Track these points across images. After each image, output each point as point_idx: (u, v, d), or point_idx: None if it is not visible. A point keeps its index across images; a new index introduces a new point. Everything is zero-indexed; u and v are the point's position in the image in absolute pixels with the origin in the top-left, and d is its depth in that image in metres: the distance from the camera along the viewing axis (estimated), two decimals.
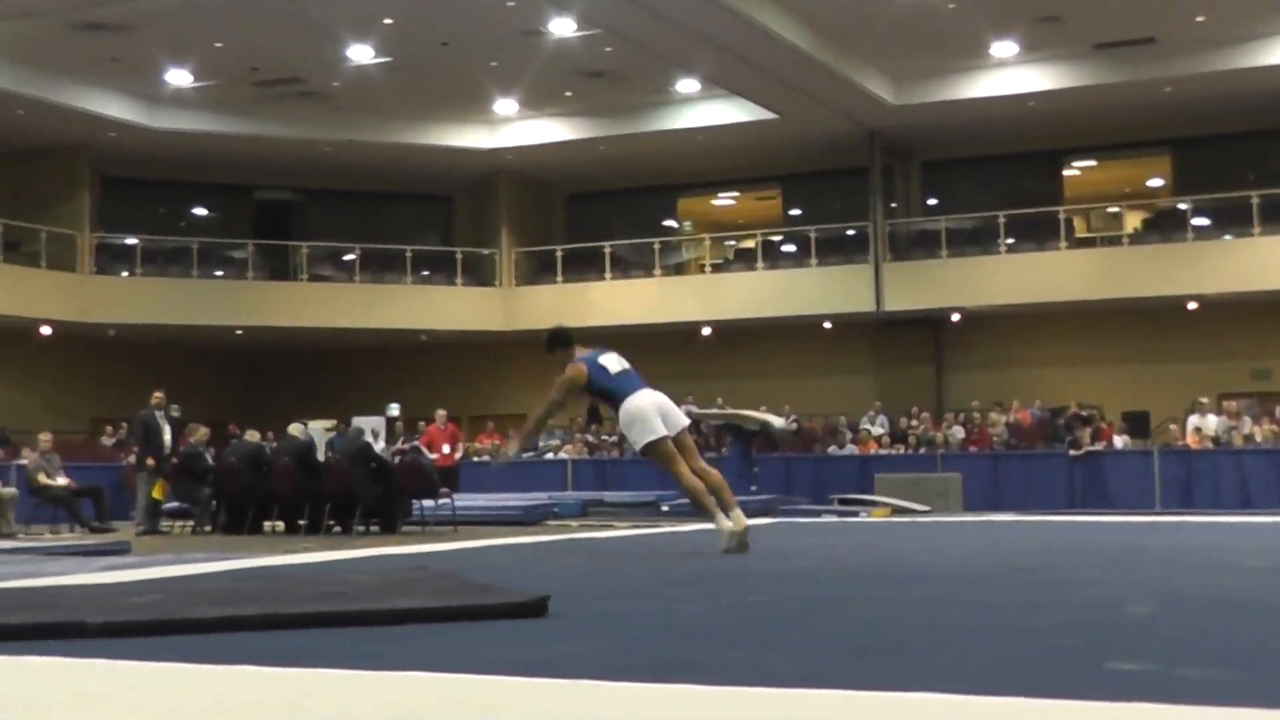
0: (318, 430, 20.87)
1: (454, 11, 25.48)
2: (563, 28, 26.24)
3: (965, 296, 30.52)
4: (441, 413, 24.66)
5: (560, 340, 10.76)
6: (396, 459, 20.45)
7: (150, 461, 18.95)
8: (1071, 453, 24.40)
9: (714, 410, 27.38)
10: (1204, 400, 25.53)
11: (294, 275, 33.53)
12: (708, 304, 32.36)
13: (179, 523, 19.12)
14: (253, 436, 20.17)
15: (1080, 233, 31.42)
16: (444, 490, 18.58)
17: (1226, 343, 29.99)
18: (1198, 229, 29.73)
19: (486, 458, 29.60)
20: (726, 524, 10.23)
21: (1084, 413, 26.42)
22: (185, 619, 5.36)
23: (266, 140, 32.04)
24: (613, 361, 10.49)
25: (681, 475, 10.26)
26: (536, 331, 33.64)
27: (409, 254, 33.90)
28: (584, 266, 34.29)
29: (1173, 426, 25.14)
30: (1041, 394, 29.15)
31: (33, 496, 19.94)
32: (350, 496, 17.42)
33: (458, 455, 24.94)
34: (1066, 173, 32.97)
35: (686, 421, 10.39)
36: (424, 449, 23.71)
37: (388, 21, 26.05)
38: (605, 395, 10.37)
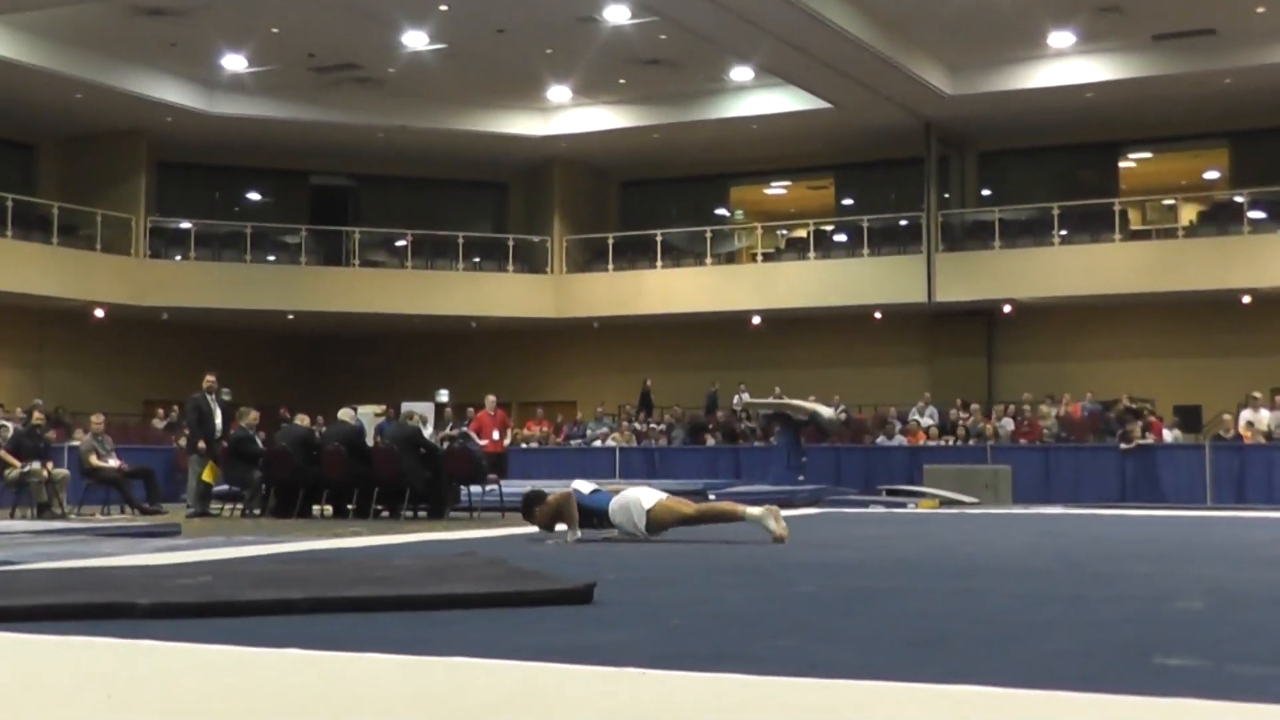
0: (367, 415, 20.92)
1: None
2: (618, 15, 26.19)
3: (1018, 288, 30.32)
4: (491, 399, 24.71)
5: (535, 503, 11.07)
6: (445, 445, 20.47)
7: (201, 444, 19.04)
8: (1122, 446, 24.22)
9: (763, 399, 27.32)
10: (1257, 395, 25.28)
11: (346, 261, 33.63)
12: (759, 293, 32.27)
13: (229, 505, 19.20)
14: (303, 421, 20.25)
15: (1135, 225, 31.17)
16: (492, 476, 18.59)
17: None
18: (1254, 222, 29.45)
19: (529, 443, 29.66)
20: (757, 511, 10.52)
21: (1135, 406, 26.21)
22: (233, 601, 5.39)
23: (322, 126, 32.14)
24: (584, 485, 10.92)
25: (695, 514, 10.64)
26: (587, 319, 34.10)
27: (461, 240, 33.95)
28: (636, 254, 34.25)
29: (1225, 417, 24.91)
30: (1093, 387, 28.97)
31: (85, 478, 20.07)
32: (399, 482, 17.45)
33: (506, 442, 24.97)
34: (1122, 164, 32.71)
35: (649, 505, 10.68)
36: (473, 435, 23.75)
37: (443, 8, 26.08)
38: (593, 511, 10.69)
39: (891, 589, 6.68)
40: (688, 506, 10.85)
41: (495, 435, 23.92)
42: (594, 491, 10.99)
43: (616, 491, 10.99)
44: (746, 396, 28.92)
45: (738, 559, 8.83)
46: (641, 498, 10.79)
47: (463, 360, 35.90)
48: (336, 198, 35.90)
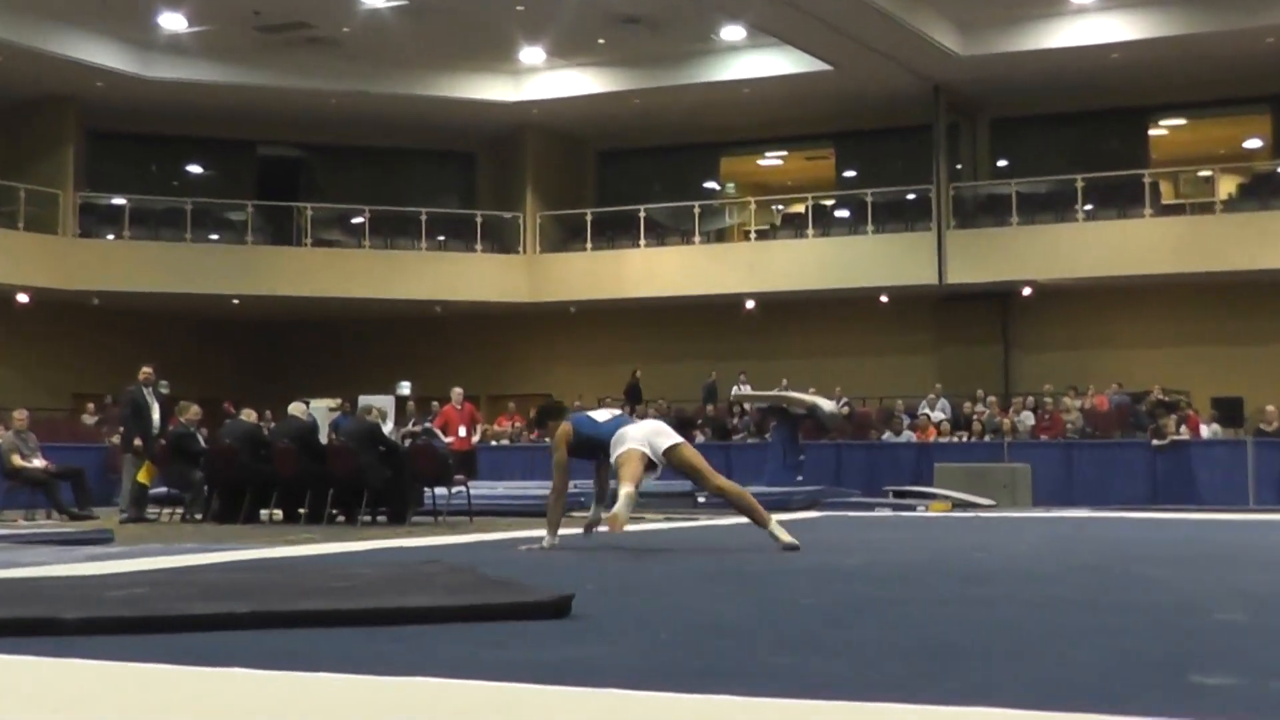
0: (321, 410, 20.93)
1: None
2: None
3: (1038, 268, 30.34)
4: (458, 391, 24.70)
5: (550, 414, 11.09)
6: (407, 442, 20.44)
7: (137, 442, 18.99)
8: (1154, 442, 24.27)
9: (759, 391, 27.35)
10: None
11: (298, 240, 33.59)
12: (752, 274, 32.29)
13: (167, 509, 19.16)
14: (249, 416, 20.19)
15: (1167, 199, 31.22)
16: (459, 477, 18.59)
17: None
18: None
19: (499, 441, 29.67)
20: (778, 526, 10.42)
21: (1169, 398, 26.27)
22: (172, 615, 5.36)
23: (270, 91, 32.07)
24: (602, 414, 10.82)
25: (717, 481, 10.55)
26: (563, 304, 34.09)
27: (424, 217, 33.90)
28: (616, 232, 34.24)
29: (1269, 409, 24.95)
30: (1121, 377, 29.01)
31: (7, 479, 20.01)
32: (356, 483, 17.43)
33: (475, 439, 24.96)
34: (1153, 132, 32.76)
35: (669, 443, 10.54)
36: (438, 431, 23.73)
37: None
38: (594, 441, 10.66)
39: (898, 598, 6.69)
40: (711, 470, 10.80)
41: (463, 431, 23.90)
42: (609, 420, 10.94)
43: (628, 425, 10.91)
44: (747, 388, 28.93)
45: (730, 567, 8.84)
46: (664, 430, 10.74)
47: (426, 349, 35.89)
48: (286, 170, 35.84)
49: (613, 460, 10.55)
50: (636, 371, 31.27)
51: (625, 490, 9.97)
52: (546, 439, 11.31)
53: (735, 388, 29.16)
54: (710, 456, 26.41)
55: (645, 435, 10.62)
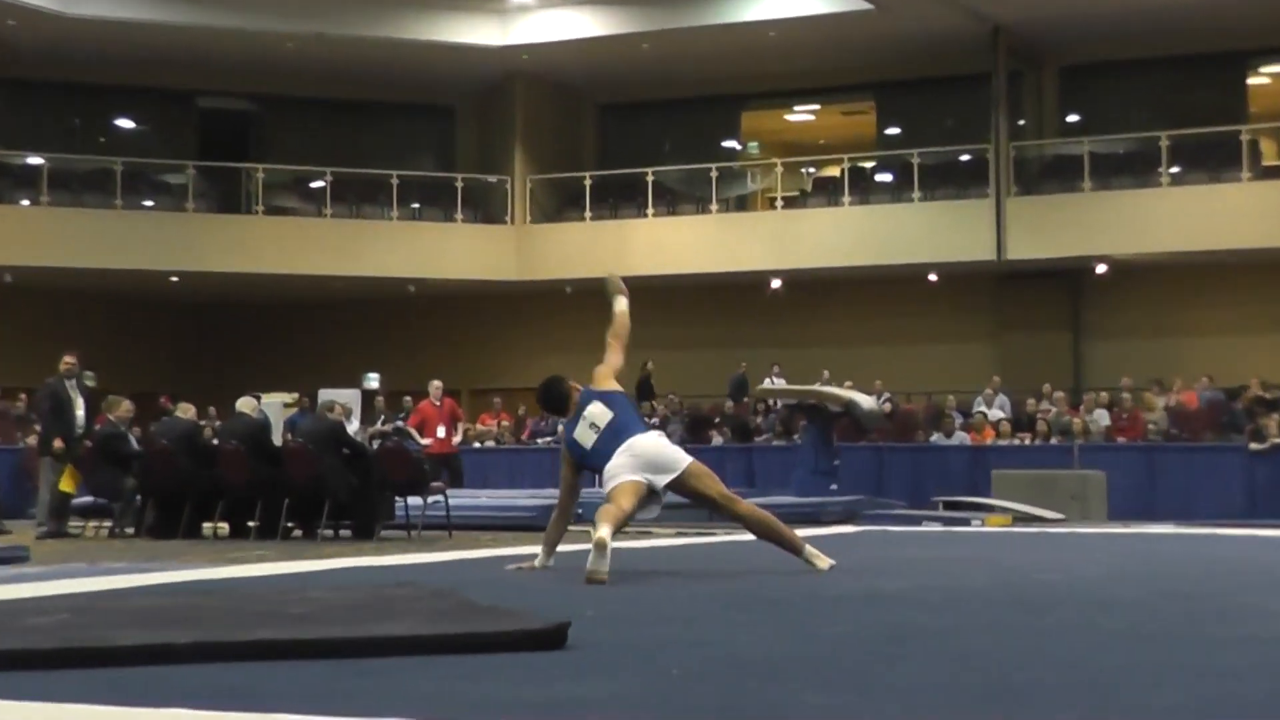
0: (275, 406, 20.93)
1: None
2: None
3: (1114, 242, 30.31)
4: (436, 385, 24.71)
5: (549, 401, 10.94)
6: (375, 444, 20.43)
7: (58, 444, 18.95)
8: (1253, 446, 24.22)
9: (789, 386, 27.32)
10: None
11: (246, 207, 33.59)
12: (778, 249, 32.27)
13: (93, 522, 19.15)
14: (187, 412, 20.15)
15: (1269, 159, 31.18)
16: (437, 485, 18.56)
17: None
18: None
19: (483, 442, 29.68)
20: (815, 551, 10.28)
21: (1269, 394, 26.22)
22: (100, 647, 5.36)
23: (214, 33, 32.04)
24: (587, 429, 10.47)
25: (738, 508, 10.39)
26: (558, 283, 34.04)
27: (395, 181, 33.88)
28: (620, 199, 34.24)
29: None
30: (1213, 369, 28.96)
31: None
32: (315, 491, 17.41)
33: (457, 440, 24.96)
34: (1252, 81, 32.71)
35: (674, 471, 10.35)
36: (413, 431, 23.73)
37: None
38: (586, 466, 10.54)
39: (950, 629, 6.68)
40: (728, 494, 10.61)
41: (442, 432, 23.94)
42: (596, 441, 10.63)
43: (615, 451, 10.64)
44: (781, 382, 28.89)
45: (752, 590, 8.83)
46: (665, 453, 10.46)
47: (398, 336, 35.91)
48: (233, 126, 35.85)
49: (605, 493, 10.38)
50: (648, 364, 31.20)
51: (598, 535, 9.59)
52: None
53: (768, 381, 29.07)
54: (730, 461, 26.42)
55: (644, 463, 10.41)
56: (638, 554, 12.24)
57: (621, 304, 11.10)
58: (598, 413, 10.50)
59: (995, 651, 5.79)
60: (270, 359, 35.62)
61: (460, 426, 25.77)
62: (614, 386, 10.79)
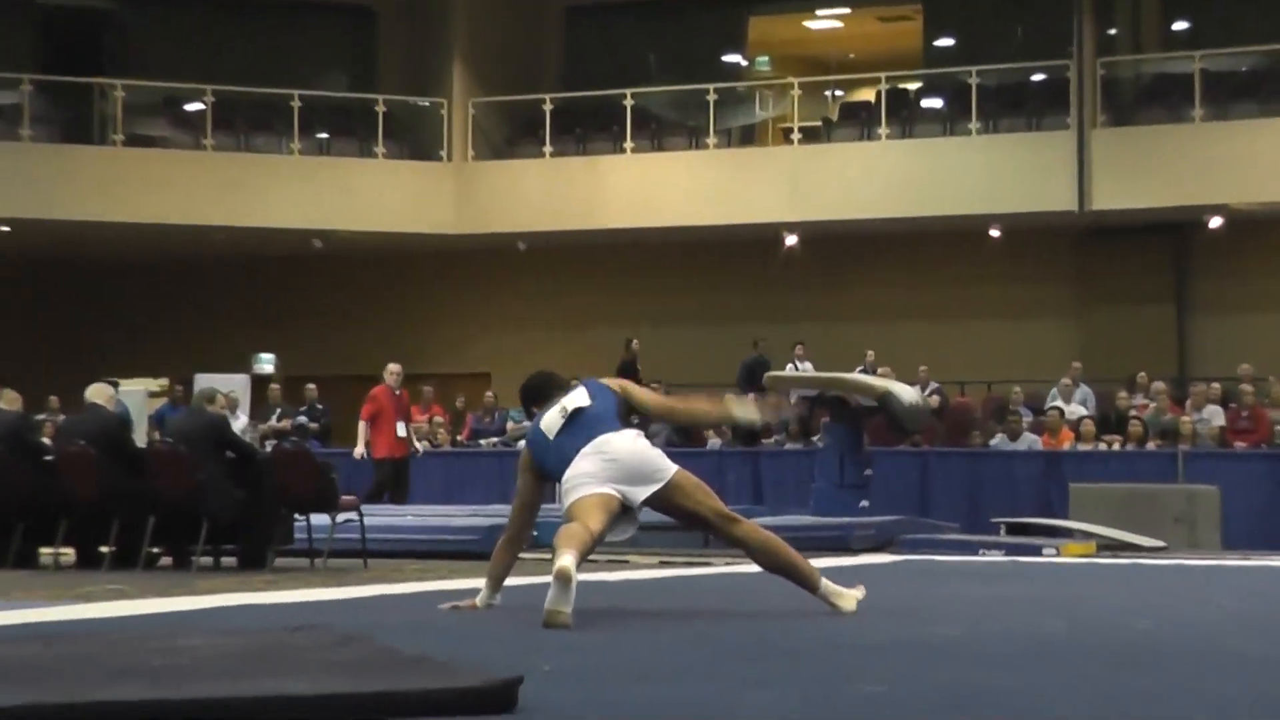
0: (137, 396, 20.86)
1: None
2: None
3: (1232, 188, 30.36)
4: (394, 369, 24.65)
5: (533, 397, 10.89)
6: (269, 446, 20.39)
7: None
8: None
9: (806, 374, 27.31)
10: None
11: (101, 137, 33.53)
12: (795, 196, 32.30)
13: None
14: (14, 403, 20.07)
15: None
16: (348, 499, 18.54)
17: None
18: None
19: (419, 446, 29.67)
20: (837, 588, 10.25)
21: None
22: None
23: None
24: (555, 414, 10.41)
25: (735, 528, 10.35)
26: (509, 237, 34.01)
27: (297, 104, 33.85)
28: (591, 130, 34.26)
29: None
30: None
31: None
32: (190, 507, 17.39)
33: (415, 446, 24.95)
34: None
35: (656, 483, 10.28)
36: (362, 428, 23.72)
37: None
38: (544, 471, 10.51)
39: (1016, 690, 6.67)
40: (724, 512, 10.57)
41: (401, 430, 23.95)
42: (558, 437, 10.60)
43: (573, 458, 10.59)
44: (807, 367, 28.86)
45: (757, 637, 8.82)
46: (645, 458, 10.44)
47: (300, 304, 35.89)
48: (83, 29, 35.77)
49: (563, 509, 10.26)
50: (633, 342, 31.18)
51: (559, 565, 9.23)
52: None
53: (790, 368, 29.01)
54: (731, 470, 26.49)
55: (617, 470, 10.27)
56: (610, 589, 12.22)
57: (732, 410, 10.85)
58: (574, 397, 10.43)
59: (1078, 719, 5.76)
60: (131, 335, 35.59)
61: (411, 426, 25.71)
62: (614, 385, 10.82)
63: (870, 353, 28.67)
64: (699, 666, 7.44)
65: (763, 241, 33.08)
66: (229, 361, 30.26)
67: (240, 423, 24.33)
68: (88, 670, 6.41)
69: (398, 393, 24.49)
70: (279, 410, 27.22)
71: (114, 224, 33.11)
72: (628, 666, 7.45)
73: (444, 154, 34.51)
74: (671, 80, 34.66)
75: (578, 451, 10.07)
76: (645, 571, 16.06)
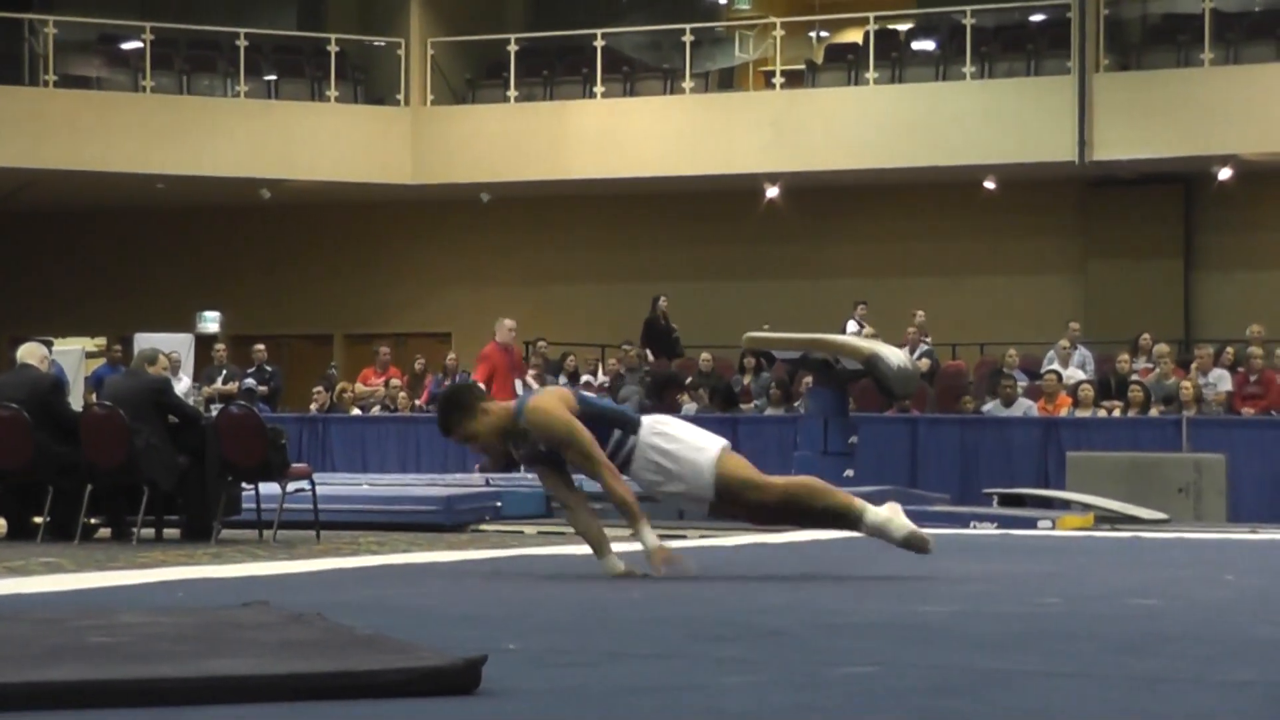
0: (73, 356, 20.81)
1: None
2: None
3: (1243, 136, 30.36)
4: (509, 324, 24.53)
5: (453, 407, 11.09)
6: (214, 410, 20.36)
7: None
8: None
9: (786, 334, 27.31)
10: None
11: (30, 77, 33.42)
12: (776, 144, 32.27)
13: None
14: None
15: None
16: (299, 466, 18.53)
17: None
18: None
19: (365, 409, 29.67)
20: (882, 513, 10.70)
21: None
22: None
23: None
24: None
25: (774, 495, 10.67)
26: (470, 188, 33.96)
27: (242, 43, 33.77)
28: (559, 73, 34.20)
29: None
30: None
31: None
32: (129, 475, 17.39)
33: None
34: None
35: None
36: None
37: None
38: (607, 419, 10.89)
39: (1012, 674, 6.68)
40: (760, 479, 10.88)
41: (519, 389, 23.80)
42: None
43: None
44: (866, 328, 28.88)
45: (741, 615, 8.82)
46: (696, 436, 10.82)
47: (246, 260, 35.84)
48: None
49: (714, 459, 10.68)
50: (660, 300, 30.99)
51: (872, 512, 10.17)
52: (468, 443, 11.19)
53: (853, 324, 29.00)
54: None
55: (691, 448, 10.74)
56: (579, 563, 12.22)
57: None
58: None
59: (1077, 708, 5.79)
60: (67, 290, 35.50)
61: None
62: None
63: (861, 306, 28.71)
64: (672, 646, 7.44)
65: (743, 192, 33.07)
66: (171, 320, 30.21)
67: (183, 385, 24.32)
68: (20, 650, 6.40)
69: (510, 350, 24.44)
70: (224, 372, 27.19)
71: (45, 171, 33.02)
72: (598, 646, 7.45)
73: (401, 98, 34.44)
74: (645, 19, 34.64)
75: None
76: (617, 545, 16.05)
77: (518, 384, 23.94)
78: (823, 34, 34.94)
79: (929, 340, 29.21)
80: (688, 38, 33.57)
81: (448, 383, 30.16)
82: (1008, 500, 22.88)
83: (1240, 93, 30.37)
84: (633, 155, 32.61)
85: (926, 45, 33.31)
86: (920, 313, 28.65)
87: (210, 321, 31.84)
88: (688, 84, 33.37)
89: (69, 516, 17.32)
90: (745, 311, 30.52)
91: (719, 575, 11.69)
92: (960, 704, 5.76)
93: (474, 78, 34.86)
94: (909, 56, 33.18)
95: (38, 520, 17.56)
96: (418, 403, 29.89)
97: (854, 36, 33.92)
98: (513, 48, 34.35)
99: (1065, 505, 22.32)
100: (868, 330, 27.05)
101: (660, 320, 30.77)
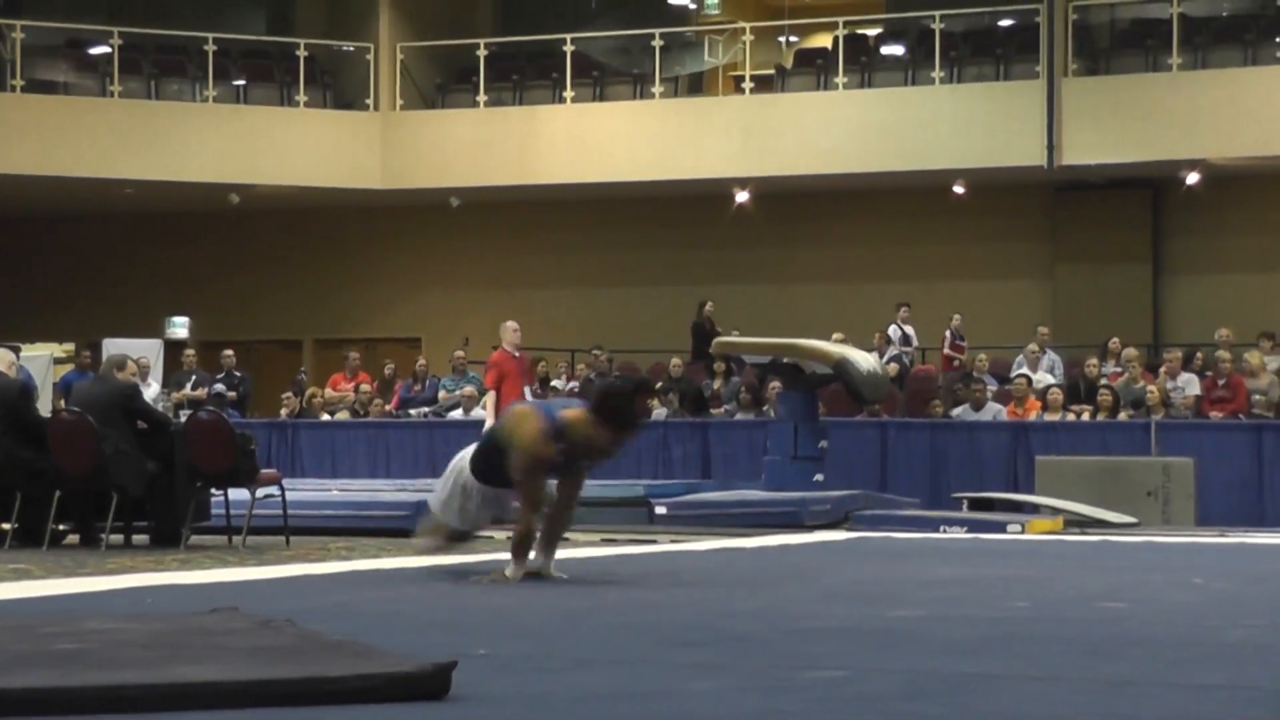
0: (41, 362, 20.76)
1: None
2: None
3: (1211, 141, 30.37)
4: (513, 327, 24.07)
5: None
6: (183, 416, 20.33)
7: None
8: None
9: (757, 339, 27.33)
10: None
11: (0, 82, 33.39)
12: (746, 148, 32.26)
13: None
14: None
15: None
16: (268, 472, 18.51)
17: None
18: None
19: (334, 415, 29.64)
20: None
21: None
22: None
23: None
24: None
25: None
26: (439, 192, 33.93)
27: (211, 48, 33.73)
28: (528, 77, 34.18)
29: None
30: None
31: None
32: (98, 481, 17.36)
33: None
34: None
35: None
36: (488, 394, 23.64)
37: None
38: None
39: (979, 678, 6.71)
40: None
41: (528, 394, 23.74)
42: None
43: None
44: (909, 330, 28.90)
45: (707, 620, 8.84)
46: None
47: (215, 265, 35.78)
48: None
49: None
50: (706, 305, 30.92)
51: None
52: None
53: (895, 328, 29.00)
54: (678, 442, 26.49)
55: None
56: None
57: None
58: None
59: (1046, 712, 5.81)
60: (35, 296, 35.41)
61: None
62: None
63: (904, 308, 28.77)
64: (641, 652, 7.47)
65: (713, 197, 33.04)
66: (140, 325, 30.16)
67: (152, 391, 24.29)
68: None
69: (517, 355, 24.40)
70: (194, 377, 27.13)
71: (12, 176, 32.89)
72: (567, 652, 7.47)
73: (370, 103, 34.42)
74: (614, 24, 34.59)
75: None
76: (587, 550, 16.10)
77: (525, 390, 23.91)
78: (792, 39, 34.92)
79: (910, 349, 29.31)
80: (657, 42, 33.56)
81: (418, 389, 30.13)
82: (977, 504, 22.91)
83: (1208, 97, 30.40)
84: (603, 160, 32.59)
85: (895, 50, 33.31)
86: (956, 316, 28.76)
87: (179, 327, 31.76)
88: (657, 89, 33.36)
89: (37, 522, 17.30)
90: (715, 316, 30.51)
91: (688, 581, 11.71)
92: (930, 708, 5.78)
93: (443, 82, 34.83)
94: (878, 61, 33.17)
95: (5, 526, 17.53)
96: (388, 408, 29.86)
97: (823, 41, 33.90)
98: (482, 52, 34.32)
99: (1034, 509, 22.36)
100: (838, 335, 26.97)
101: (706, 325, 30.69)
